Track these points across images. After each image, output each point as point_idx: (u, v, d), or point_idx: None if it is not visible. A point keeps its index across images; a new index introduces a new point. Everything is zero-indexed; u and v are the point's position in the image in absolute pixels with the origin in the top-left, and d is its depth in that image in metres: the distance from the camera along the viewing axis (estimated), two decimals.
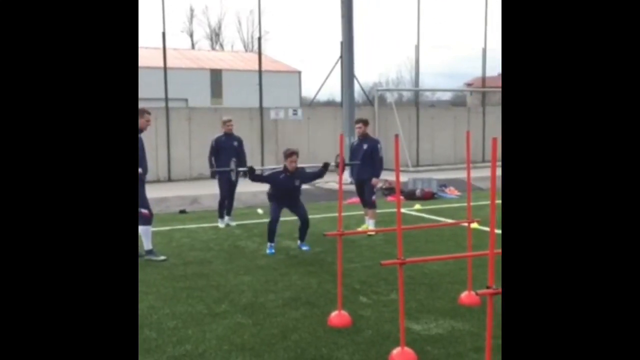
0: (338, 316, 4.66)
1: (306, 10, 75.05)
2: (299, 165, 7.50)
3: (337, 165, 6.04)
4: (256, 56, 20.96)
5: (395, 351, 3.90)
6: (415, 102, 22.21)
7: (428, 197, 12.85)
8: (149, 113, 6.93)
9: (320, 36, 74.72)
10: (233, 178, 8.52)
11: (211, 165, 9.37)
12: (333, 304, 4.93)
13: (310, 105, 20.71)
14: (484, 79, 23.71)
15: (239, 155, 9.22)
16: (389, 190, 13.59)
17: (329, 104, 22.63)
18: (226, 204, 9.49)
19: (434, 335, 4.37)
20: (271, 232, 7.39)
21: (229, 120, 9.55)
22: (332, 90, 32.13)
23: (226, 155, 9.02)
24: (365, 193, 8.78)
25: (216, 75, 35.20)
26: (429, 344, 4.19)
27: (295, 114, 18.23)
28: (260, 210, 10.80)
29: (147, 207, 6.96)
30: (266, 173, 7.76)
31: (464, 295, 5.15)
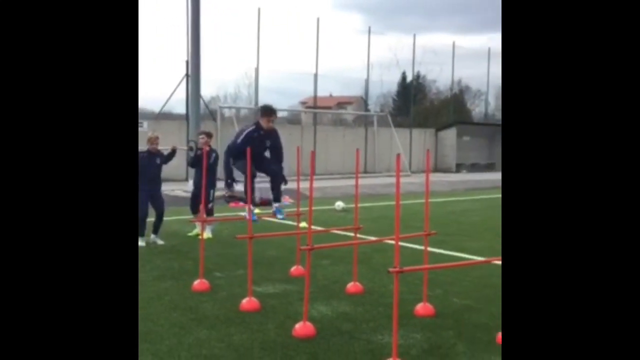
0: (200, 283, 6.17)
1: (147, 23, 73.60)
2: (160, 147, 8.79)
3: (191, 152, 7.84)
4: None
5: (245, 300, 5.51)
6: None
7: (265, 203, 14.60)
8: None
9: (162, 50, 73.63)
10: None
11: None
12: (193, 278, 6.39)
13: (156, 118, 21.58)
14: (315, 98, 26.24)
15: None
16: (231, 197, 15.14)
17: (167, 116, 23.34)
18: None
19: (272, 293, 6.06)
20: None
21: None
22: (172, 101, 32.72)
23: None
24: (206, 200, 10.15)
25: None
26: (268, 298, 5.85)
27: (140, 126, 19.06)
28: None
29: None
30: None
31: (294, 269, 6.91)
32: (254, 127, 6.80)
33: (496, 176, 25.58)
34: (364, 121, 29.21)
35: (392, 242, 8.19)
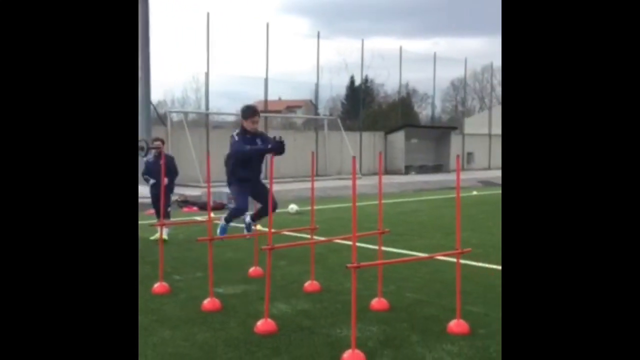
0: (160, 286, 6.28)
1: None
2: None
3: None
4: None
5: (206, 301, 5.66)
6: (206, 123, 23.98)
7: (219, 207, 14.67)
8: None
9: None
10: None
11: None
12: (153, 281, 6.48)
13: None
14: (266, 102, 26.39)
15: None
16: (184, 202, 15.16)
17: None
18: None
19: (232, 293, 6.22)
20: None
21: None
22: None
23: None
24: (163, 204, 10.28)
25: None
26: (229, 298, 6.01)
27: None
28: None
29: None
30: None
31: (252, 270, 7.09)
32: (239, 130, 6.45)
33: (443, 177, 26.33)
34: (314, 125, 29.52)
35: (346, 242, 8.50)
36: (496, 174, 29.13)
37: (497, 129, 37.13)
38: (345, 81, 37.73)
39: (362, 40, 28.99)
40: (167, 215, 10.04)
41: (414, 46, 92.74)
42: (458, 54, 73.87)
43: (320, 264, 7.39)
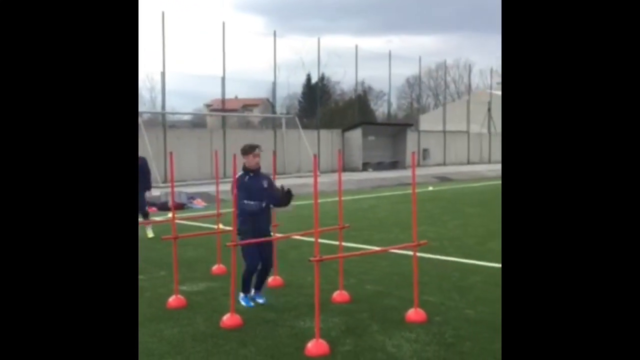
0: None
1: None
2: None
3: None
4: None
5: (172, 298, 5.78)
6: (163, 123, 23.79)
7: (179, 207, 14.67)
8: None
9: None
10: None
11: None
12: None
13: None
14: (223, 101, 26.36)
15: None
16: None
17: None
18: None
19: (196, 291, 6.35)
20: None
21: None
22: None
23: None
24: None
25: None
26: (193, 295, 6.13)
27: None
28: None
29: None
30: None
31: (215, 267, 7.22)
32: (241, 172, 5.91)
33: (400, 173, 26.78)
34: (271, 123, 29.62)
35: (306, 239, 8.70)
36: (451, 170, 29.82)
37: (452, 126, 37.97)
38: (302, 79, 37.91)
39: (319, 39, 29.23)
40: (146, 215, 10.33)
41: (368, 44, 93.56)
42: (412, 52, 74.96)
43: (282, 260, 7.55)
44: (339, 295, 5.90)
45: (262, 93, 34.41)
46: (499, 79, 67.98)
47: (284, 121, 28.25)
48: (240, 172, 5.86)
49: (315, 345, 4.49)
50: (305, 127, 29.79)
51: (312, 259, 4.52)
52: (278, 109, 31.59)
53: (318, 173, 4.76)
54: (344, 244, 6.41)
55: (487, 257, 8.05)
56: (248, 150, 5.96)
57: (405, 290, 6.04)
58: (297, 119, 29.21)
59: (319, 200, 4.91)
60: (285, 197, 5.99)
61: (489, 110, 42.92)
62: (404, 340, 4.72)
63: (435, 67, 46.27)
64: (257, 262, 5.77)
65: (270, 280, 6.56)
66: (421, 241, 5.51)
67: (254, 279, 5.90)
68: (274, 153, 6.72)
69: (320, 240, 4.79)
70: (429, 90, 54.94)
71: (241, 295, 5.87)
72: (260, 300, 5.94)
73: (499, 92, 48.97)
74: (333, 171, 27.03)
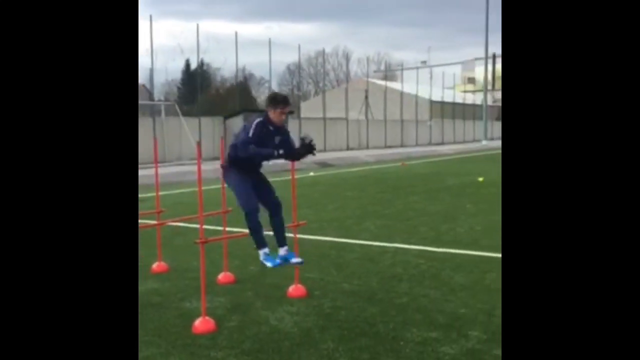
0: None
1: None
2: None
3: None
4: None
5: None
6: None
7: None
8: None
9: None
10: None
11: None
12: None
13: None
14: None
15: None
16: None
17: None
18: None
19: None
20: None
21: None
22: None
23: None
24: None
25: None
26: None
27: None
28: None
29: None
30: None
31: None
32: (262, 118, 5.04)
33: (282, 160, 27.18)
34: (149, 110, 28.90)
35: (191, 225, 8.81)
36: (331, 156, 30.72)
37: (331, 113, 39.00)
38: (181, 65, 37.23)
39: (197, 25, 28.85)
40: None
41: (248, 30, 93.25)
42: (291, 39, 75.54)
43: (166, 247, 7.65)
44: (224, 276, 6.15)
45: (139, 79, 33.41)
46: (376, 67, 70.54)
47: (162, 108, 27.68)
48: (260, 118, 5.02)
49: (202, 323, 4.72)
50: (185, 114, 29.35)
51: (197, 240, 4.74)
52: (156, 96, 30.85)
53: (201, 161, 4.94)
54: (227, 228, 6.64)
55: (363, 236, 8.66)
56: (280, 103, 5.05)
57: (287, 269, 6.37)
58: (177, 106, 28.72)
59: (203, 188, 5.10)
60: (304, 148, 5.20)
61: (366, 97, 44.57)
62: (285, 314, 5.08)
63: (314, 55, 47.22)
64: (255, 203, 5.07)
65: (155, 266, 6.65)
66: (300, 222, 5.88)
67: (263, 231, 5.19)
68: (155, 140, 6.77)
69: (205, 227, 5.00)
70: (309, 77, 55.91)
71: (260, 253, 5.18)
72: (295, 260, 5.21)
73: (376, 80, 50.90)
74: (214, 159, 26.87)
